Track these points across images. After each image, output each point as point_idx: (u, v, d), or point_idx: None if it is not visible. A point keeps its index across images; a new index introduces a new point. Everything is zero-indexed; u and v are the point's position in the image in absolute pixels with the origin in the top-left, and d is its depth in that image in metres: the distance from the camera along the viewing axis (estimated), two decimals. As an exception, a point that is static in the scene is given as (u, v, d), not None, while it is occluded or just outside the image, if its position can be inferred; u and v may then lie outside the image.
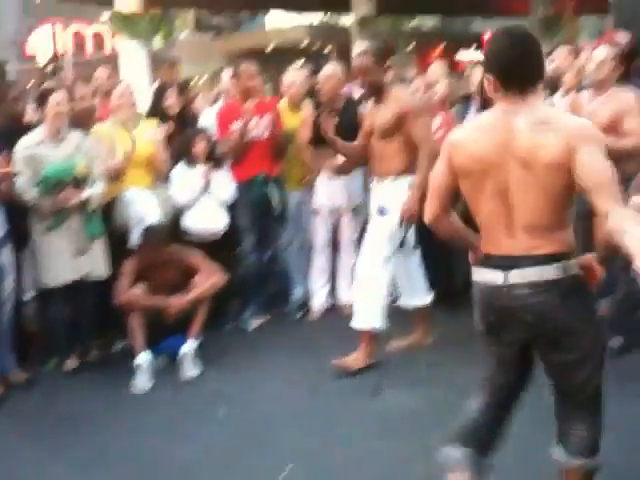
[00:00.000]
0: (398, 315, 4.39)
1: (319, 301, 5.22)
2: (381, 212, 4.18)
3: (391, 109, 4.09)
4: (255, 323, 5.03)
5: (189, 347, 4.23)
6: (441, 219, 2.36)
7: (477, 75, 5.01)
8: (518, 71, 2.12)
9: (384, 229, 4.14)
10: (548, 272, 2.12)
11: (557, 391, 2.34)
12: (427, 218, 2.38)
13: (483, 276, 2.25)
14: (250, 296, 5.11)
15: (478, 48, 22.54)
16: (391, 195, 4.15)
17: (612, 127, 3.87)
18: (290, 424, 3.54)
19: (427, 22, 26.19)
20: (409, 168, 4.12)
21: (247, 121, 4.81)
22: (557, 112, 2.43)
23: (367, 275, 4.14)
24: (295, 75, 5.38)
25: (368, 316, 4.13)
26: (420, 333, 4.50)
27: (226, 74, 5.52)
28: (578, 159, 2.00)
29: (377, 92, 4.16)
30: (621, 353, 3.99)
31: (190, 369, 4.19)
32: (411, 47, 20.00)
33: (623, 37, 4.65)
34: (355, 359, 4.15)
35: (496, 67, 2.15)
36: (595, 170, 1.99)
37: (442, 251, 5.01)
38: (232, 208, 4.92)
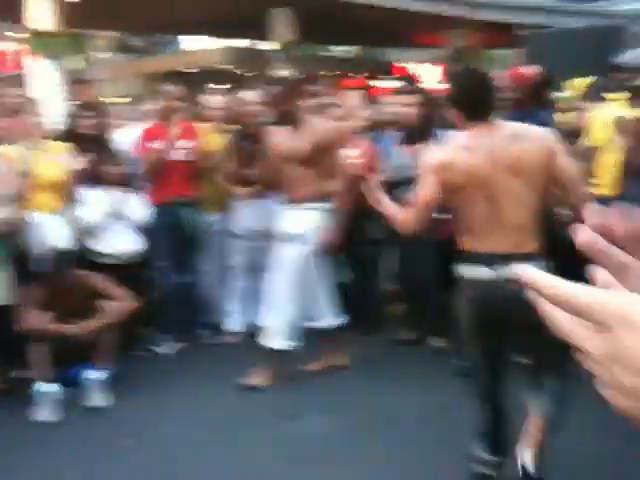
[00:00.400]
0: (316, 337, 4.40)
1: (236, 325, 5.16)
2: (292, 238, 4.21)
3: (308, 137, 4.12)
4: (171, 348, 4.92)
5: (97, 376, 4.08)
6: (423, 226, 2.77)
7: (395, 105, 5.14)
8: (484, 105, 2.56)
9: (295, 254, 4.18)
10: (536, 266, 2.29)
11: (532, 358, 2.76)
12: (413, 228, 2.73)
13: (475, 272, 2.56)
14: (165, 321, 5.00)
15: (396, 77, 23.08)
16: (304, 221, 4.19)
17: None
18: (205, 451, 3.46)
19: (348, 50, 26.70)
20: (322, 195, 4.18)
21: (168, 142, 4.75)
22: (519, 125, 2.77)
23: (276, 297, 4.20)
24: (218, 98, 5.38)
25: (275, 336, 4.20)
26: (333, 355, 4.52)
27: (143, 95, 5.44)
28: (558, 160, 2.47)
29: (291, 120, 4.20)
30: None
31: (98, 399, 4.04)
32: (332, 74, 20.33)
33: (531, 69, 4.90)
34: (261, 378, 4.20)
35: (465, 104, 2.57)
36: (571, 169, 2.51)
37: (362, 275, 5.12)
38: (149, 231, 4.81)
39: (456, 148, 2.63)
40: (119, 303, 4.23)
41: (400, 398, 3.98)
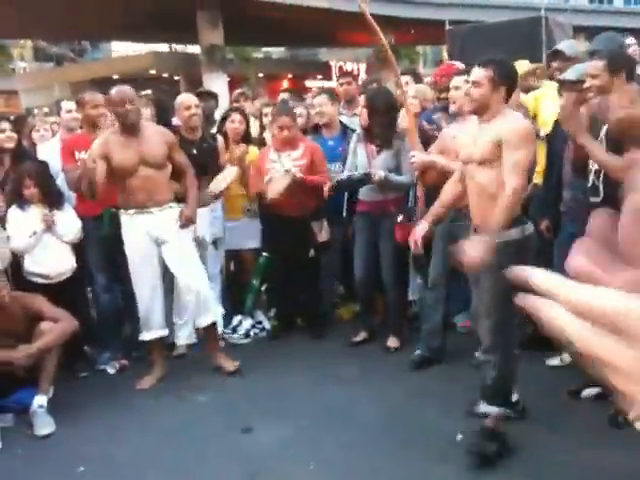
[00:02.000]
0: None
1: (184, 336, 4.97)
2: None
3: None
4: (115, 366, 4.72)
5: (39, 402, 3.87)
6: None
7: (327, 105, 5.12)
8: None
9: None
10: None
11: None
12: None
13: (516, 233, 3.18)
14: (107, 338, 4.81)
15: (324, 77, 23.19)
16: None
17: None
18: (156, 471, 3.32)
19: (275, 52, 26.61)
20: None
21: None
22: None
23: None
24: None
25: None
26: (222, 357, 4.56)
27: (65, 104, 5.20)
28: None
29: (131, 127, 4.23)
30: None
31: (42, 426, 3.82)
32: (261, 75, 20.21)
33: (460, 64, 4.94)
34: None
35: None
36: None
37: (310, 278, 5.05)
38: (81, 246, 4.60)
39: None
40: (59, 324, 4.01)
41: (354, 400, 3.93)
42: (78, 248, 4.60)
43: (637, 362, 0.36)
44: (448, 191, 3.54)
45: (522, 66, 5.21)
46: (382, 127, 4.55)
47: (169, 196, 4.37)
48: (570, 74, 3.88)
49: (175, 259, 4.35)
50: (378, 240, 4.66)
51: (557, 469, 2.99)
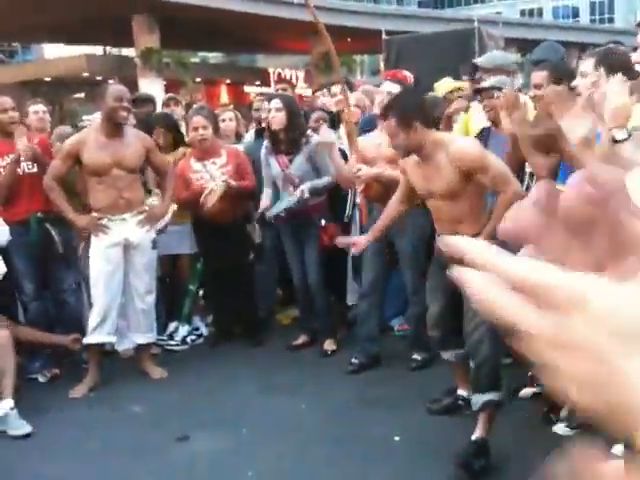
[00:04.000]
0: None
1: (122, 342, 4.84)
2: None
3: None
4: (46, 375, 4.57)
5: (9, 405, 3.80)
6: None
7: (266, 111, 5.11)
8: None
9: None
10: None
11: None
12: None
13: None
14: (37, 346, 4.64)
15: (262, 84, 23.16)
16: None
17: (395, 159, 4.08)
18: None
19: (212, 57, 26.44)
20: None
21: (17, 157, 4.42)
22: None
23: None
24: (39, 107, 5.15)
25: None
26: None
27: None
28: None
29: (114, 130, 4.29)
30: (424, 367, 4.27)
31: (18, 427, 3.76)
32: (198, 80, 20.01)
33: (406, 73, 5.02)
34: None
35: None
36: None
37: (244, 283, 5.01)
38: (7, 253, 4.43)
39: None
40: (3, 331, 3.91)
41: (292, 407, 3.91)
42: (6, 255, 4.43)
43: (558, 332, 0.36)
44: (393, 210, 3.54)
45: (445, 85, 5.36)
46: (298, 131, 4.54)
47: (140, 197, 4.44)
48: (485, 82, 4.08)
49: (138, 266, 4.41)
50: (304, 244, 4.67)
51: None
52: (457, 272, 0.39)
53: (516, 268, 0.38)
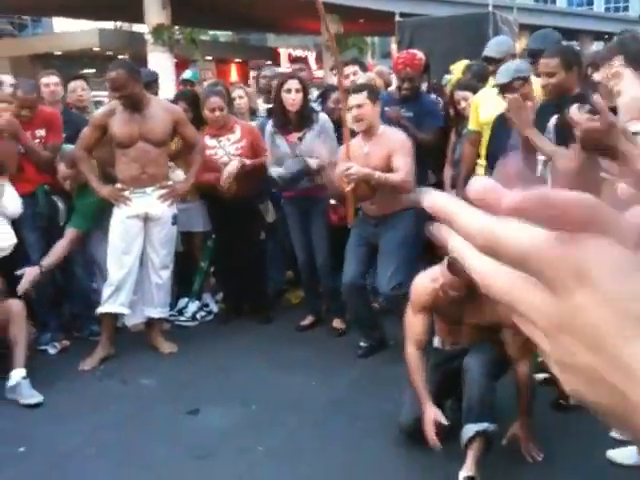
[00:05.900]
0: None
1: (133, 316, 4.86)
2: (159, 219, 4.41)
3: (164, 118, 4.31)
4: (56, 347, 4.61)
5: (21, 374, 3.87)
6: None
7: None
8: None
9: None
10: None
11: None
12: None
13: None
14: (47, 318, 4.68)
15: (273, 63, 23.03)
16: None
17: (386, 164, 4.06)
18: (100, 455, 3.26)
19: (223, 36, 26.26)
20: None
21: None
22: None
23: None
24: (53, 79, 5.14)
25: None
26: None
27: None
28: None
29: (135, 103, 4.23)
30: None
31: (30, 396, 3.82)
32: (209, 58, 19.93)
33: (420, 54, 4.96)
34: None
35: None
36: None
37: (256, 261, 5.03)
38: (16, 224, 4.45)
39: None
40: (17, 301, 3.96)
41: (301, 384, 3.94)
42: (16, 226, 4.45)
43: (555, 314, 0.33)
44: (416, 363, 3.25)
45: (461, 66, 5.32)
46: (310, 108, 4.57)
47: (164, 172, 4.44)
48: (501, 77, 3.96)
49: (156, 239, 4.43)
50: (310, 225, 4.66)
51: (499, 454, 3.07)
52: (438, 230, 0.36)
53: (504, 232, 0.33)
